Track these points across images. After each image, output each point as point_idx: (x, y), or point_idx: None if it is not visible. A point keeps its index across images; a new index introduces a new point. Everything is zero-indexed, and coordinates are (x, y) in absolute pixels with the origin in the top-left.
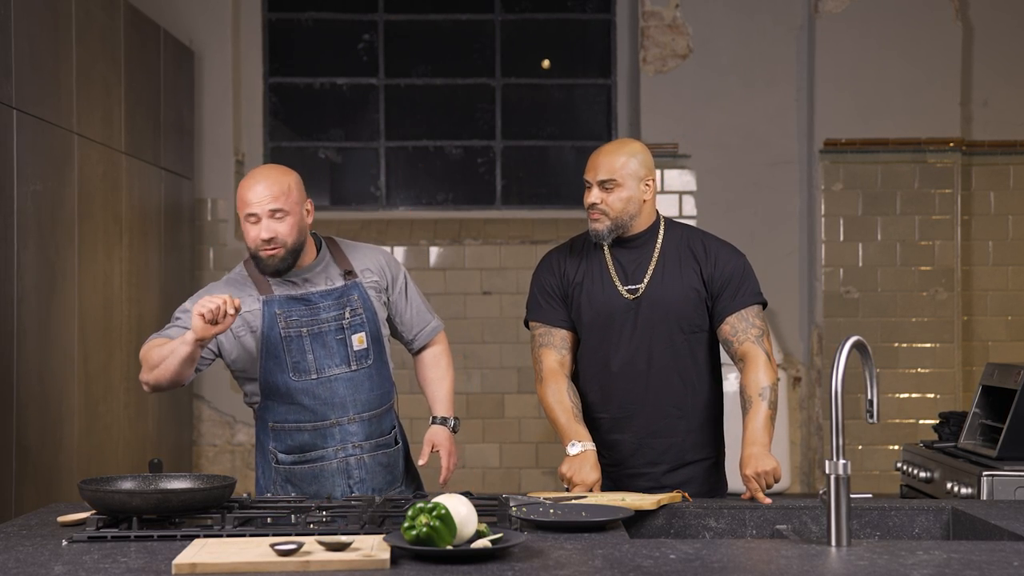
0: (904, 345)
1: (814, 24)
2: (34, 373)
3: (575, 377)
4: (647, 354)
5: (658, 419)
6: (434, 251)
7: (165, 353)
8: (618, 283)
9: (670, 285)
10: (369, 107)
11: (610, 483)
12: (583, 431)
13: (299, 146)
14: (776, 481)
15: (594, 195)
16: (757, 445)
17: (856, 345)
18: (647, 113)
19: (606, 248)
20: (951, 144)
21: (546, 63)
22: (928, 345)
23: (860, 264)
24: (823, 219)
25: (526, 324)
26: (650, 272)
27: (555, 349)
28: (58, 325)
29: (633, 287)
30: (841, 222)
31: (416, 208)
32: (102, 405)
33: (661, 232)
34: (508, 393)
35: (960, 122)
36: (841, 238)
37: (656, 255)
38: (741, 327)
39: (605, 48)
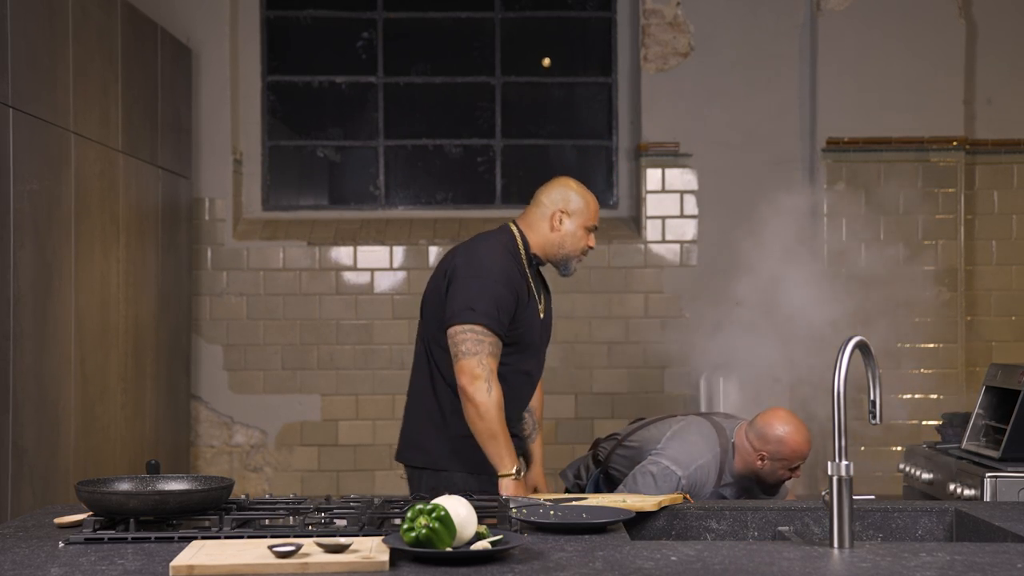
0: (907, 346)
1: (816, 21)
2: (31, 373)
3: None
4: (543, 363)
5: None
6: (433, 251)
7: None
8: (539, 303)
9: (547, 304)
10: (368, 105)
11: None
12: None
13: (297, 145)
14: None
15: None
16: None
17: (859, 345)
18: (648, 112)
19: (529, 272)
20: (954, 143)
21: (546, 61)
22: (931, 345)
23: (863, 264)
24: (825, 218)
25: (474, 321)
26: (543, 294)
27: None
28: (55, 325)
29: (543, 307)
30: (844, 221)
31: (415, 207)
32: (99, 406)
33: None
34: None
35: (964, 120)
36: (843, 237)
37: (543, 280)
38: None
39: (606, 46)
